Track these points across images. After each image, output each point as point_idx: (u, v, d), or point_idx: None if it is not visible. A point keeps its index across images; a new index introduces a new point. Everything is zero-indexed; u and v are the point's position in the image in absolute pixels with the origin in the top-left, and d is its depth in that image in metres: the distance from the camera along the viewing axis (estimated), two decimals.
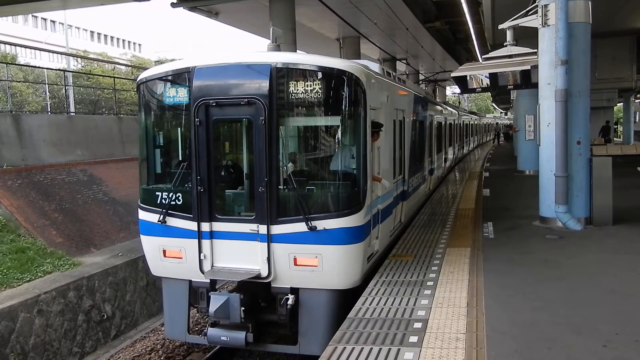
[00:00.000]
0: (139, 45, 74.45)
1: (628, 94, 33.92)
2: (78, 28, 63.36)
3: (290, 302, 6.47)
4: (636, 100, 39.93)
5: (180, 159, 7.02)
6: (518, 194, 13.97)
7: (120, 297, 11.13)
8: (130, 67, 35.57)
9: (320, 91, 6.34)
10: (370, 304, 5.94)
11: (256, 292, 6.80)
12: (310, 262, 6.39)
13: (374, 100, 7.15)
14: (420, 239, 9.09)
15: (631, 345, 4.65)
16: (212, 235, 6.67)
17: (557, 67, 8.98)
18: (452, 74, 11.03)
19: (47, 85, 20.06)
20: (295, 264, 6.43)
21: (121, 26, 69.88)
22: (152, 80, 7.05)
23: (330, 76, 6.38)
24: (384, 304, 5.90)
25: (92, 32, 66.59)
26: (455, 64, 32.08)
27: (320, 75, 6.34)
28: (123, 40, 72.26)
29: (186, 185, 6.76)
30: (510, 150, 32.50)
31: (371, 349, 4.74)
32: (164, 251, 6.94)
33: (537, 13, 9.48)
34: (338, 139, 6.78)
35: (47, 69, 22.05)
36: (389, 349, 4.70)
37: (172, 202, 6.79)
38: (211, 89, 6.55)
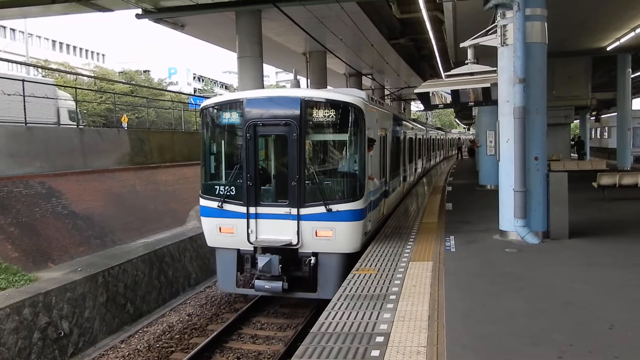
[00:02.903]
0: (103, 55, 73.03)
1: (584, 112, 35.23)
2: (39, 37, 61.69)
3: (312, 262, 9.16)
4: (591, 118, 41.43)
5: (234, 162, 9.70)
6: (479, 208, 14.25)
7: (79, 314, 10.78)
8: (93, 78, 34.89)
9: (334, 117, 9.17)
10: (333, 318, 5.96)
11: (287, 256, 9.24)
12: (327, 233, 9.05)
13: (369, 122, 9.75)
14: (384, 252, 9.18)
15: (584, 356, 4.79)
16: (257, 216, 9.36)
17: (515, 85, 9.29)
18: (416, 90, 11.18)
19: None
20: (316, 235, 9.11)
21: (84, 36, 68.54)
22: (213, 107, 9.86)
23: (341, 106, 9.18)
24: (347, 318, 5.93)
25: (54, 41, 64.79)
26: (419, 80, 32.69)
27: (334, 106, 9.15)
28: (86, 50, 70.65)
29: (238, 181, 9.45)
30: (472, 165, 33.18)
31: None
32: (220, 228, 9.60)
33: (496, 33, 9.79)
34: (346, 149, 9.52)
35: (5, 78, 21.39)
36: None
37: (228, 193, 9.49)
38: (258, 114, 9.32)
